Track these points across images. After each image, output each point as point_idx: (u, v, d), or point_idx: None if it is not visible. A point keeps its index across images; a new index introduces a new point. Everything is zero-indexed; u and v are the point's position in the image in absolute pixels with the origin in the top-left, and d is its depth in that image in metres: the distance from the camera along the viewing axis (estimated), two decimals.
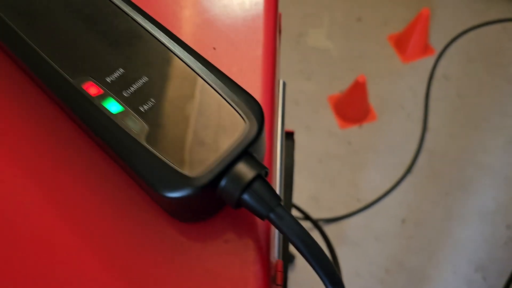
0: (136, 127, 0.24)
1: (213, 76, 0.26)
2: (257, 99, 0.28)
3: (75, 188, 0.27)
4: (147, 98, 0.25)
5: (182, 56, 0.26)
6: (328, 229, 1.16)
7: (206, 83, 0.25)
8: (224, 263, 0.25)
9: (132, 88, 0.25)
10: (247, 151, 0.24)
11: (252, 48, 0.32)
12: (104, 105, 0.25)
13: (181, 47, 0.27)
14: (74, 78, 0.26)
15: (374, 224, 1.17)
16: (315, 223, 1.09)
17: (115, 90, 0.25)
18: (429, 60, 1.39)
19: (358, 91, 1.24)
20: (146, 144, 0.24)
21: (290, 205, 0.68)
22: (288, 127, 0.60)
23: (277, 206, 0.24)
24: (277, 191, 0.26)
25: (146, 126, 0.24)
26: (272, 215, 0.23)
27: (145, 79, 0.25)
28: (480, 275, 1.11)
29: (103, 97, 0.25)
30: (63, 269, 0.25)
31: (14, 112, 0.29)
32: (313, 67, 1.37)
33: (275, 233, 0.31)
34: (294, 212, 1.06)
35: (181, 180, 0.23)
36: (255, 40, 0.33)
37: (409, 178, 1.22)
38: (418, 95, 1.34)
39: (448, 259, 1.13)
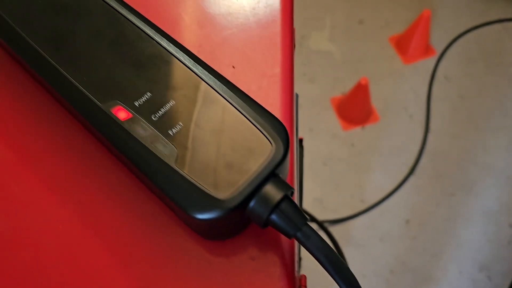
0: (165, 150, 0.25)
1: (237, 98, 0.26)
2: (277, 116, 0.29)
3: (105, 208, 0.28)
4: (175, 121, 0.26)
5: (206, 79, 0.27)
6: (333, 230, 1.17)
7: (231, 106, 0.26)
8: (251, 280, 0.26)
9: (160, 112, 0.26)
10: (274, 172, 0.24)
11: (270, 66, 0.33)
12: (134, 129, 0.25)
13: (205, 69, 0.27)
14: (103, 103, 0.26)
15: (379, 225, 1.18)
16: (321, 225, 1.10)
17: (144, 114, 0.26)
18: (430, 61, 1.40)
19: (360, 93, 1.25)
20: (176, 167, 0.24)
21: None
22: None
23: (303, 226, 0.24)
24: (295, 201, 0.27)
25: (175, 149, 0.25)
26: (299, 234, 0.24)
27: (172, 102, 0.26)
28: (485, 274, 1.12)
29: (132, 121, 0.26)
30: (93, 286, 0.26)
31: (46, 135, 0.29)
32: (315, 70, 1.37)
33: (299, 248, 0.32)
34: None
35: (212, 203, 0.23)
36: (273, 57, 0.33)
37: (412, 179, 1.23)
38: (420, 96, 1.34)
39: (453, 259, 1.14)
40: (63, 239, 0.27)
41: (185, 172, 0.24)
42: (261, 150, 0.25)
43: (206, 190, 0.24)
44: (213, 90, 0.27)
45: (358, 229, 1.18)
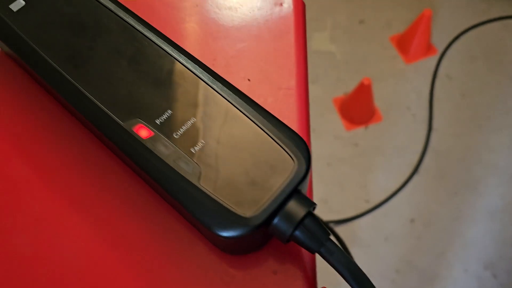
0: (188, 168, 0.25)
1: (258, 114, 0.27)
2: (294, 128, 0.30)
3: (126, 224, 0.28)
4: (197, 139, 0.26)
5: (226, 95, 0.27)
6: (339, 230, 1.17)
7: (252, 122, 0.26)
8: None
9: (181, 130, 0.26)
10: (297, 189, 0.25)
11: (286, 78, 0.33)
12: (156, 148, 0.26)
13: (224, 85, 0.28)
14: (124, 121, 0.26)
15: (384, 224, 1.19)
16: (326, 226, 1.11)
17: (165, 132, 0.26)
18: (432, 60, 1.40)
19: (363, 93, 1.25)
20: (199, 185, 0.25)
21: None
22: None
23: (326, 241, 0.25)
24: None
25: (198, 167, 0.25)
26: (322, 250, 0.25)
27: (193, 119, 0.26)
28: (490, 272, 1.12)
29: (154, 139, 0.26)
30: None
31: (66, 153, 0.30)
32: (317, 71, 1.38)
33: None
34: None
35: (237, 221, 0.24)
36: (288, 69, 0.34)
37: (416, 178, 1.24)
38: (423, 95, 1.35)
39: (458, 258, 1.14)
40: (85, 256, 0.27)
41: (209, 190, 0.24)
42: (283, 166, 0.25)
43: (230, 208, 0.24)
44: (233, 106, 0.27)
45: (363, 229, 1.18)
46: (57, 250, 0.28)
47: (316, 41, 1.43)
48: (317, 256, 0.26)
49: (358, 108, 1.30)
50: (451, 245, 1.16)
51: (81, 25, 0.30)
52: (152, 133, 0.26)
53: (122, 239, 0.27)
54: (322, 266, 0.29)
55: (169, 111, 0.27)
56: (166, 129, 0.26)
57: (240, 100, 0.27)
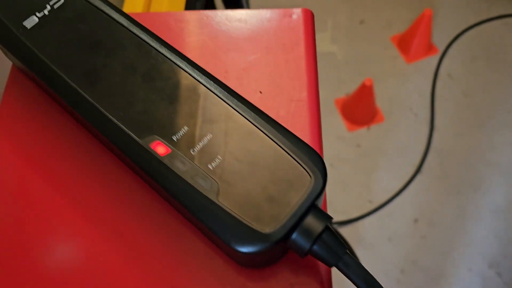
0: (206, 185, 0.25)
1: (273, 129, 0.27)
2: (306, 140, 0.30)
3: (143, 238, 0.28)
4: (214, 155, 0.26)
5: (241, 111, 0.27)
6: (343, 231, 1.18)
7: (268, 138, 0.26)
8: None
9: (198, 146, 0.26)
10: (314, 203, 0.25)
11: (297, 90, 0.34)
12: (174, 164, 0.26)
13: (239, 100, 0.28)
14: (141, 138, 0.27)
15: (387, 225, 1.19)
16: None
17: (183, 149, 0.26)
18: (433, 60, 1.40)
19: (365, 94, 1.25)
20: (218, 201, 0.25)
21: None
22: None
23: (344, 255, 0.25)
24: None
25: (216, 184, 0.25)
26: (340, 264, 0.25)
27: (209, 135, 0.27)
28: (494, 271, 1.12)
29: (172, 156, 0.26)
30: None
31: (84, 170, 0.30)
32: (319, 72, 1.37)
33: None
34: None
35: (256, 237, 0.24)
36: (299, 81, 0.34)
37: (419, 178, 1.24)
38: (424, 95, 1.35)
39: (462, 256, 1.14)
40: (102, 271, 0.28)
41: (227, 206, 0.25)
42: (300, 182, 0.25)
43: (249, 224, 0.24)
44: (249, 122, 0.27)
45: (367, 230, 1.19)
46: (75, 264, 0.28)
47: (317, 42, 1.41)
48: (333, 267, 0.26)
49: (360, 108, 1.31)
50: (455, 244, 1.16)
51: (95, 42, 0.30)
52: (170, 150, 0.26)
53: (139, 253, 0.28)
54: (338, 278, 0.29)
55: (186, 127, 0.27)
56: (183, 145, 0.26)
57: (256, 115, 0.27)
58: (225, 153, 0.26)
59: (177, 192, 0.26)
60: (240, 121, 0.27)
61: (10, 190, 0.30)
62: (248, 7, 0.94)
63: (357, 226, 1.19)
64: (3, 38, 0.31)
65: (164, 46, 0.30)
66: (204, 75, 0.29)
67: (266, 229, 0.24)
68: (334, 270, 0.27)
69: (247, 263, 0.27)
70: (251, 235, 0.24)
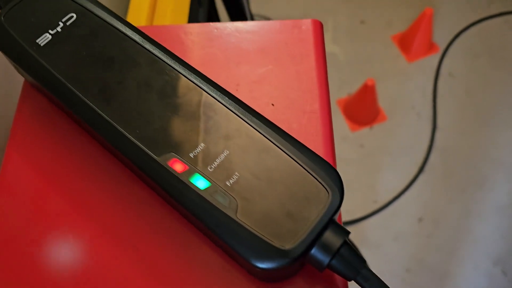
0: (225, 201, 0.26)
1: (290, 145, 0.27)
2: (319, 152, 0.30)
3: (160, 253, 0.28)
4: (232, 172, 0.26)
5: (257, 127, 0.28)
6: None
7: (285, 154, 0.27)
8: None
9: (215, 163, 0.27)
10: (332, 219, 0.25)
11: (309, 102, 0.34)
12: (192, 182, 0.26)
13: (253, 115, 0.28)
14: (158, 156, 0.27)
15: (392, 224, 1.19)
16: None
17: (200, 166, 0.27)
18: (434, 58, 1.40)
19: (367, 94, 1.26)
20: (237, 218, 0.25)
21: None
22: None
23: (362, 269, 0.25)
24: None
25: (235, 201, 0.26)
26: (358, 278, 0.25)
27: (226, 152, 0.27)
28: (499, 269, 1.13)
29: (189, 173, 0.26)
30: None
31: (101, 187, 0.30)
32: None
33: None
34: None
35: (276, 253, 0.24)
36: (311, 93, 0.34)
37: (422, 177, 1.24)
38: (426, 94, 1.35)
39: (467, 255, 1.15)
40: (123, 286, 0.28)
41: (246, 223, 0.25)
42: (318, 197, 0.25)
43: (269, 241, 0.24)
44: (265, 138, 0.27)
45: (372, 230, 1.19)
46: (94, 281, 0.28)
47: None
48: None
49: (362, 108, 1.31)
50: (460, 242, 1.17)
51: (108, 58, 0.30)
52: (187, 167, 0.27)
53: (156, 268, 0.28)
54: None
55: (202, 144, 0.27)
56: (200, 162, 0.27)
57: (272, 131, 0.27)
58: (243, 170, 0.26)
59: (196, 210, 0.26)
60: (256, 137, 0.27)
61: (26, 207, 0.30)
62: (250, 13, 0.95)
63: (362, 226, 1.20)
64: (17, 56, 0.31)
65: (177, 62, 0.30)
66: (219, 90, 0.29)
67: (286, 245, 0.24)
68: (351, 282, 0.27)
69: (266, 278, 0.27)
70: (271, 251, 0.24)
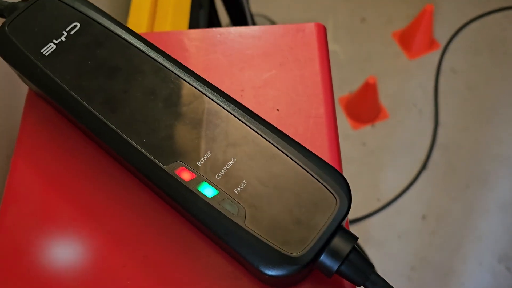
0: (233, 210, 0.26)
1: (296, 152, 0.27)
2: (325, 157, 0.30)
3: (169, 260, 0.29)
4: (239, 179, 0.26)
5: (264, 134, 0.28)
6: (352, 230, 1.18)
7: (292, 161, 0.27)
8: None
9: (223, 171, 0.27)
10: (340, 225, 0.25)
11: (314, 106, 0.34)
12: (200, 190, 0.26)
13: (260, 122, 0.28)
14: (166, 164, 0.27)
15: (396, 222, 1.19)
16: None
17: (207, 174, 0.27)
18: (435, 55, 1.40)
19: (369, 92, 1.26)
20: (246, 226, 0.25)
21: None
22: None
23: (371, 274, 0.25)
24: None
25: (243, 208, 0.26)
26: (367, 283, 0.25)
27: (233, 160, 0.27)
28: (504, 265, 1.13)
29: (197, 181, 0.26)
30: None
31: (109, 195, 0.30)
32: None
33: None
34: None
35: (285, 260, 0.24)
36: (316, 97, 0.34)
37: (425, 174, 1.24)
38: (428, 91, 1.35)
39: (471, 251, 1.15)
40: None
41: (255, 231, 0.25)
42: (326, 204, 0.26)
43: (277, 248, 0.25)
44: (272, 145, 0.27)
45: (376, 228, 1.19)
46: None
47: None
48: None
49: (364, 106, 1.31)
50: (464, 239, 1.17)
51: (113, 67, 0.30)
52: (194, 175, 0.27)
53: (164, 275, 0.28)
54: None
55: (209, 152, 0.27)
56: (208, 170, 0.27)
57: (278, 138, 0.27)
58: (250, 177, 0.26)
59: (204, 218, 0.26)
60: (263, 144, 0.27)
61: (33, 214, 0.30)
62: (250, 13, 0.95)
63: (366, 224, 1.20)
64: (22, 66, 0.31)
65: (182, 69, 0.30)
66: (224, 97, 0.29)
67: (295, 253, 0.24)
68: None
69: (275, 284, 0.27)
70: (280, 259, 0.24)
